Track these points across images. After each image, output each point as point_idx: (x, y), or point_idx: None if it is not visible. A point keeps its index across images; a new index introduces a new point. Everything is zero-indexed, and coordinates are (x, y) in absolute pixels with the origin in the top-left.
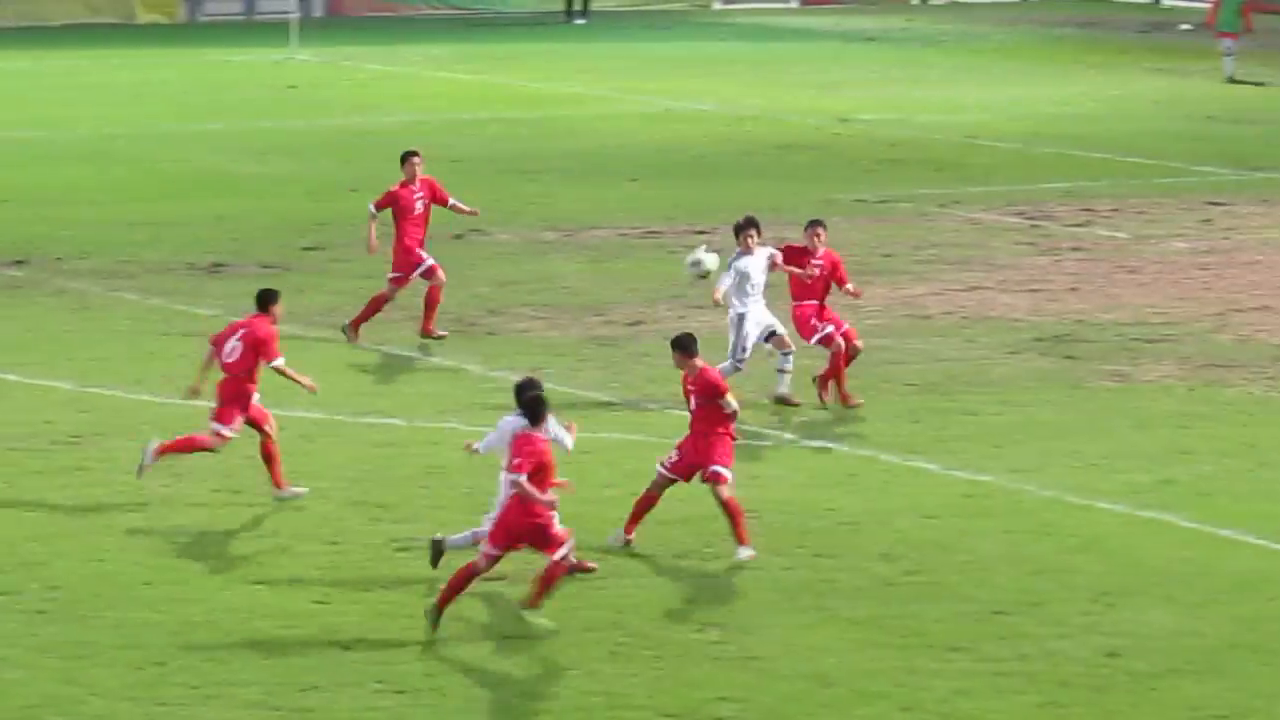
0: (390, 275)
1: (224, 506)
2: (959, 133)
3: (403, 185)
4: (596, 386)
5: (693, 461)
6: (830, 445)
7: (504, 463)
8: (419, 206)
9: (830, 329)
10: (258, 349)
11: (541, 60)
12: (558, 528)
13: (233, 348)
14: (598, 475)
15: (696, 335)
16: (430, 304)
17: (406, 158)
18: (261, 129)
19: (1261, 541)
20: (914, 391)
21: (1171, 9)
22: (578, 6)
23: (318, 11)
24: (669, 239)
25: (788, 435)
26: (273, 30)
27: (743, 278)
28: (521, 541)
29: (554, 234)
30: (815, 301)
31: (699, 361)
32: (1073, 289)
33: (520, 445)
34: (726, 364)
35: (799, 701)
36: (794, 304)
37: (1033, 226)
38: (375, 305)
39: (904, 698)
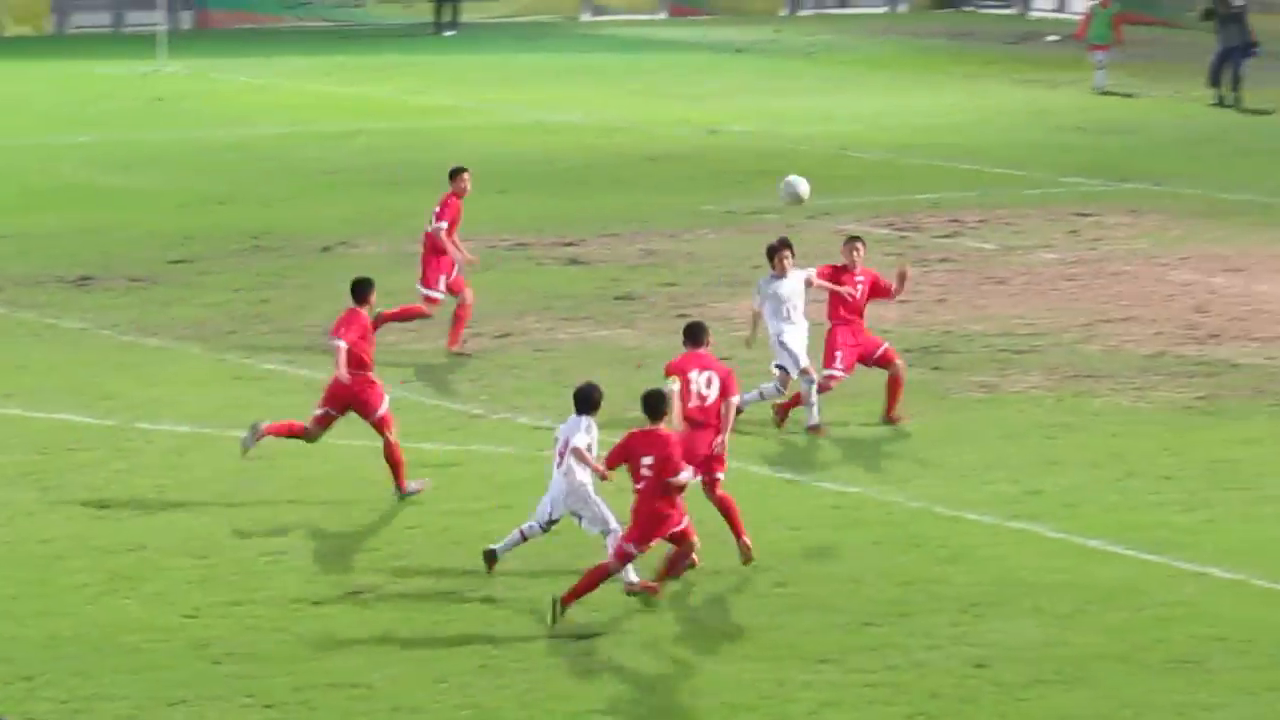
0: (435, 293)
1: (92, 520)
2: (828, 144)
3: (455, 196)
4: (466, 399)
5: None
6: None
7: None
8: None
9: (839, 372)
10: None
11: (411, 72)
12: (689, 524)
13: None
14: (468, 488)
15: (560, 347)
16: (460, 319)
17: (457, 174)
18: (130, 141)
19: (1129, 552)
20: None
21: (1039, 21)
22: (447, 18)
23: (186, 24)
24: (537, 251)
25: None
26: (141, 42)
27: (777, 300)
28: (657, 536)
29: (422, 246)
30: (855, 320)
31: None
32: (941, 300)
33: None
34: (770, 386)
35: (669, 713)
36: (832, 325)
37: (901, 238)
38: (461, 319)
39: (773, 709)
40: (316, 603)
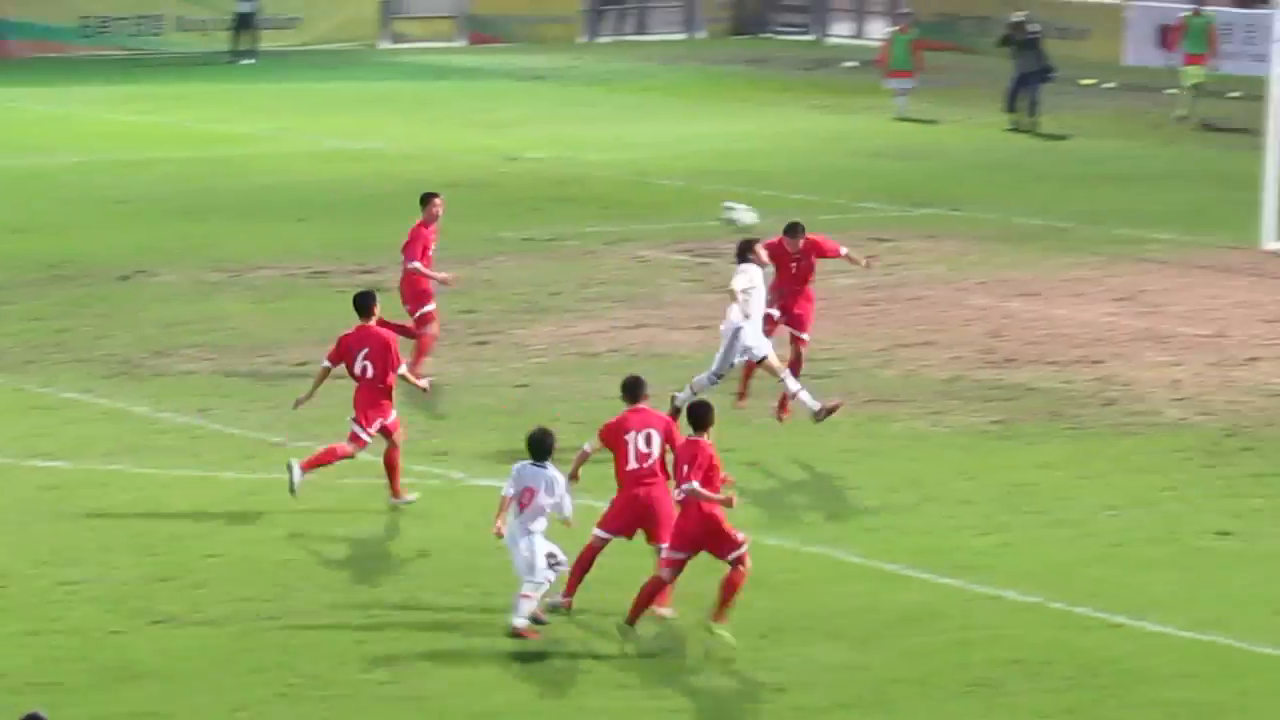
0: (419, 315)
1: None
2: (627, 170)
3: (424, 225)
4: (264, 427)
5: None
6: (498, 483)
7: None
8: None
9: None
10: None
11: (208, 100)
12: (732, 528)
13: (363, 365)
14: (268, 516)
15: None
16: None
17: (428, 199)
18: None
19: (927, 575)
20: (580, 428)
21: (836, 47)
22: (245, 46)
23: None
24: (336, 278)
25: (455, 474)
26: None
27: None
28: (701, 546)
29: (220, 274)
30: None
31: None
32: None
33: (687, 453)
34: (703, 377)
35: None
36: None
37: (700, 264)
38: (423, 348)
39: None
40: (116, 632)
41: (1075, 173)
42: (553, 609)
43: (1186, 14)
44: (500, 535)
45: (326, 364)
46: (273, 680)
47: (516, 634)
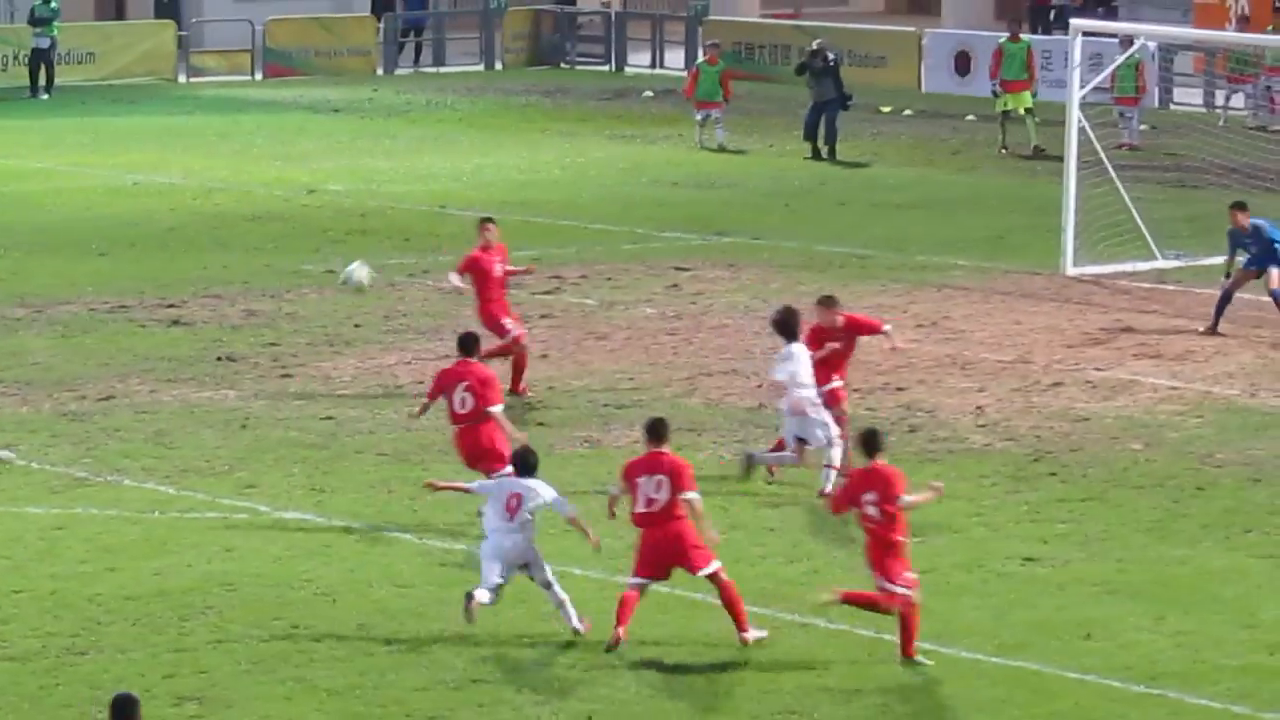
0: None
1: None
2: (427, 201)
3: (482, 250)
4: (69, 462)
5: None
6: (305, 516)
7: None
8: (498, 270)
9: None
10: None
11: (6, 136)
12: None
13: (462, 398)
14: (74, 551)
15: (163, 409)
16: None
17: (483, 224)
18: None
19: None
20: (386, 461)
21: (635, 77)
22: (41, 81)
23: None
24: (139, 313)
25: (262, 507)
26: None
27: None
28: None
29: (23, 309)
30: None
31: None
32: (544, 356)
33: (866, 483)
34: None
35: None
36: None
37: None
38: (519, 366)
39: None
40: None
41: (876, 200)
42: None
43: (1003, 40)
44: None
45: (426, 401)
46: (81, 716)
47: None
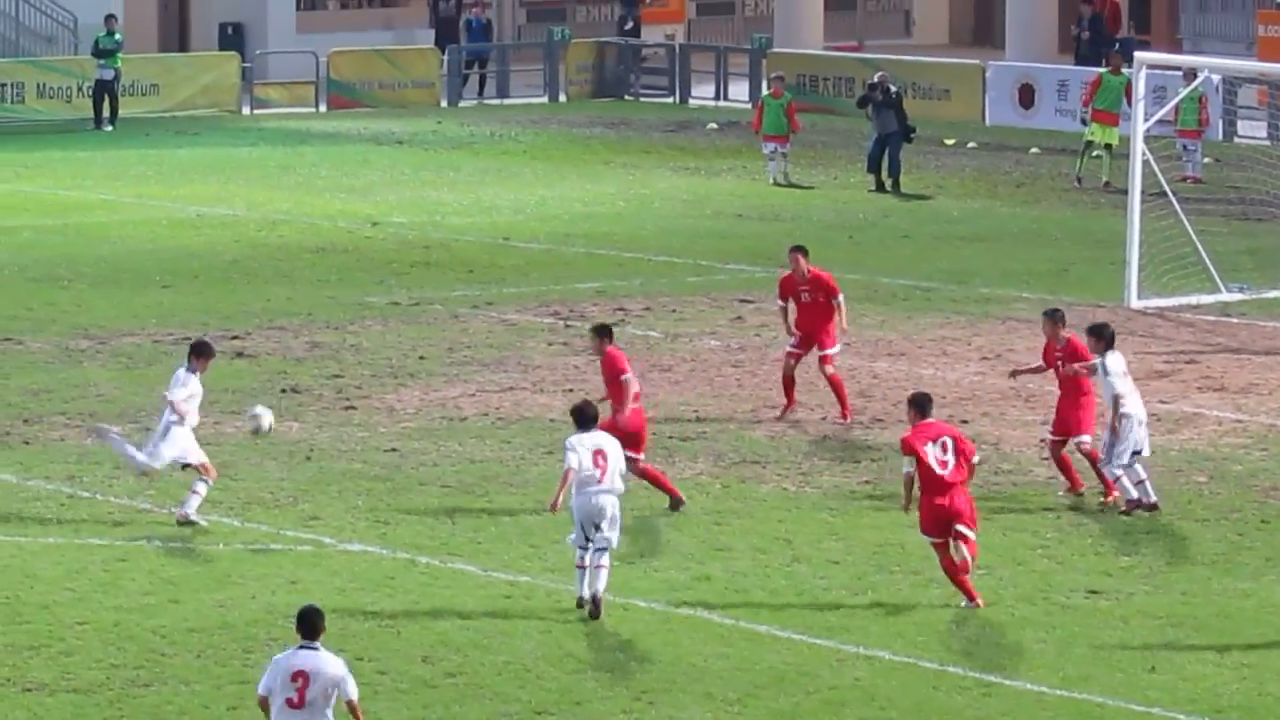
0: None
1: None
2: (491, 234)
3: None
4: (133, 494)
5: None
6: (368, 548)
7: None
8: (804, 296)
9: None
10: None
11: (70, 167)
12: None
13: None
14: (136, 584)
15: (228, 440)
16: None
17: (794, 252)
18: None
19: (798, 636)
20: (450, 493)
21: (699, 109)
22: (105, 113)
23: None
24: None
25: (326, 539)
26: None
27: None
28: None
29: (87, 341)
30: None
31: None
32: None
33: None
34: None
35: None
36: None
37: (566, 326)
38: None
39: None
40: None
41: (939, 232)
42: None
43: (1104, 70)
44: None
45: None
46: None
47: None
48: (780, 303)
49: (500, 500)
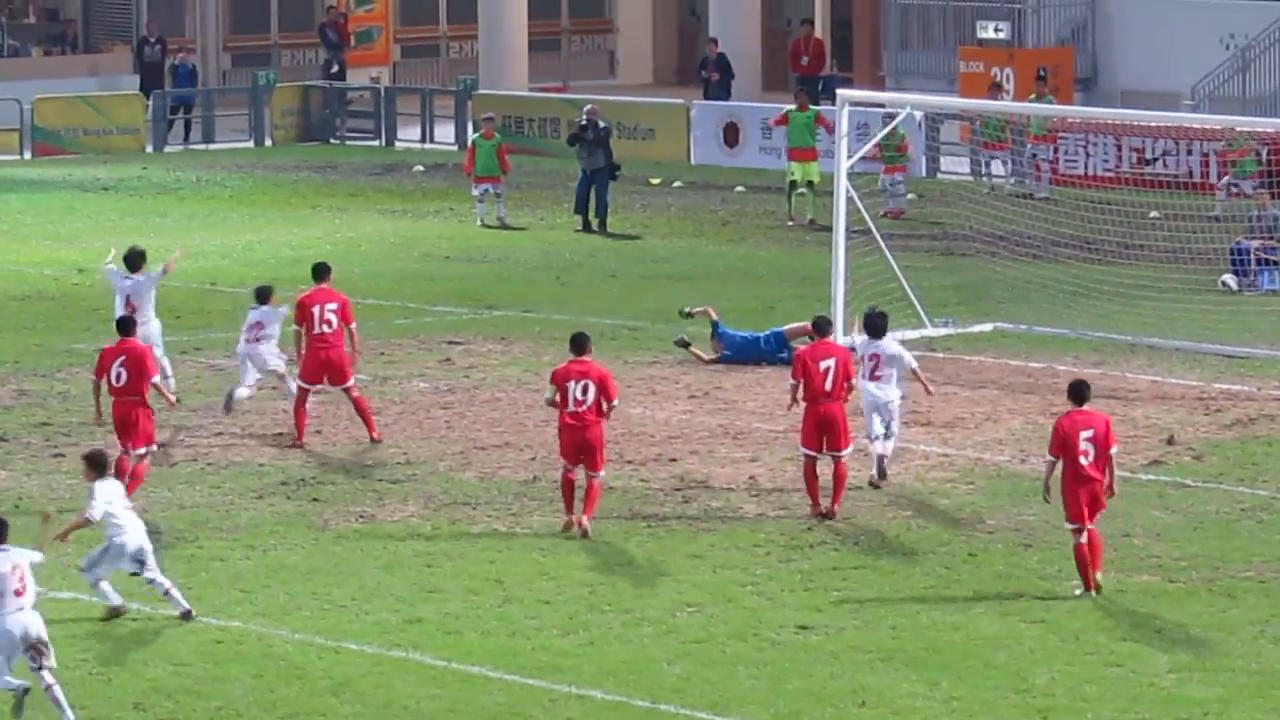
0: None
1: None
2: (198, 279)
3: None
4: None
5: None
6: (79, 596)
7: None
8: None
9: None
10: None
11: None
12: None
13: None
14: None
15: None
16: None
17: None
18: None
19: (510, 676)
20: (160, 539)
21: (405, 152)
22: None
23: None
24: None
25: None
26: None
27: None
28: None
29: None
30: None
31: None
32: (317, 432)
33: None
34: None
35: None
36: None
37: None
38: None
39: None
40: None
41: (646, 271)
42: None
43: (790, 109)
44: None
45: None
46: None
47: None
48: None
49: (210, 546)
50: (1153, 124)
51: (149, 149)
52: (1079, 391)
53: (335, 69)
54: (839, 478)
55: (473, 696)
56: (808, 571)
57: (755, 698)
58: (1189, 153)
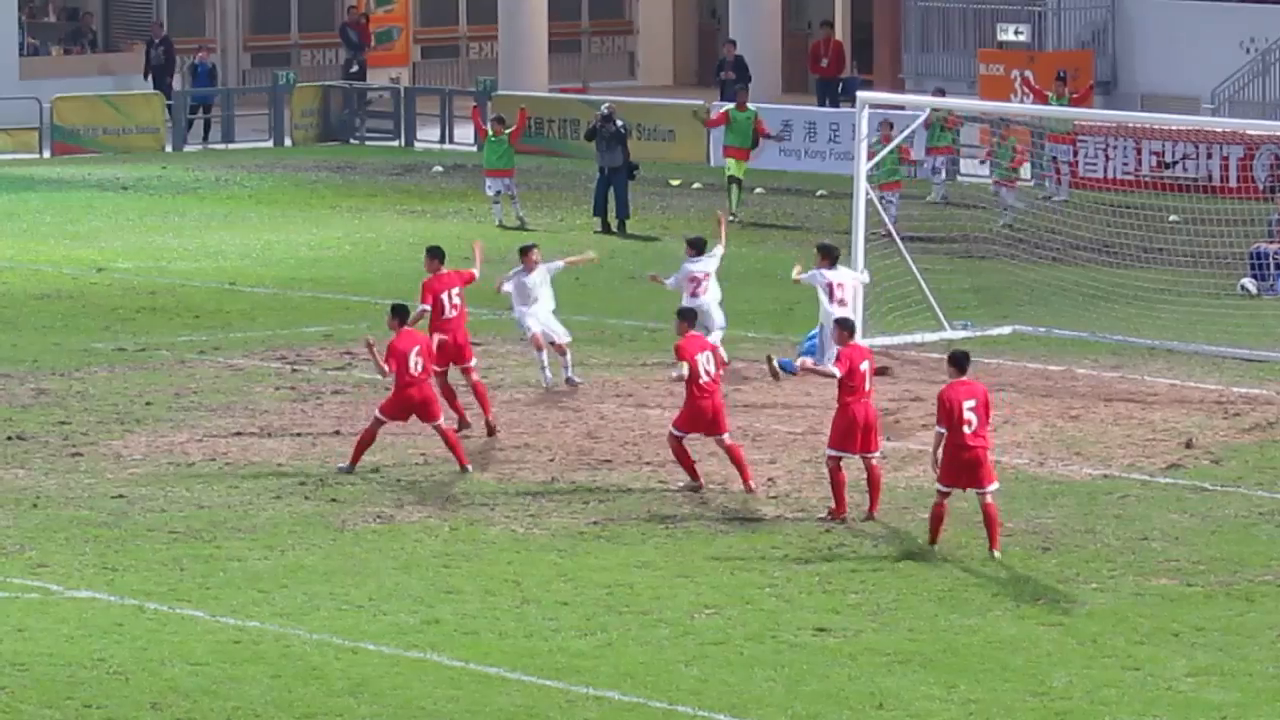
0: None
1: None
2: (217, 279)
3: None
4: None
5: None
6: (96, 595)
7: None
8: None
9: None
10: None
11: None
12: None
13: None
14: None
15: None
16: None
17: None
18: None
19: (528, 678)
20: (178, 539)
21: (424, 152)
22: None
23: None
24: None
25: (53, 587)
26: None
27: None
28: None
29: None
30: None
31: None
32: (335, 432)
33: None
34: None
35: None
36: None
37: (294, 371)
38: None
39: None
40: None
41: (665, 273)
42: None
43: (730, 108)
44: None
45: None
46: None
47: None
48: None
49: (228, 546)
50: (1172, 127)
51: (168, 148)
52: (960, 361)
53: (355, 69)
54: (874, 481)
55: (490, 698)
56: (825, 573)
57: (773, 699)
58: (1209, 156)
